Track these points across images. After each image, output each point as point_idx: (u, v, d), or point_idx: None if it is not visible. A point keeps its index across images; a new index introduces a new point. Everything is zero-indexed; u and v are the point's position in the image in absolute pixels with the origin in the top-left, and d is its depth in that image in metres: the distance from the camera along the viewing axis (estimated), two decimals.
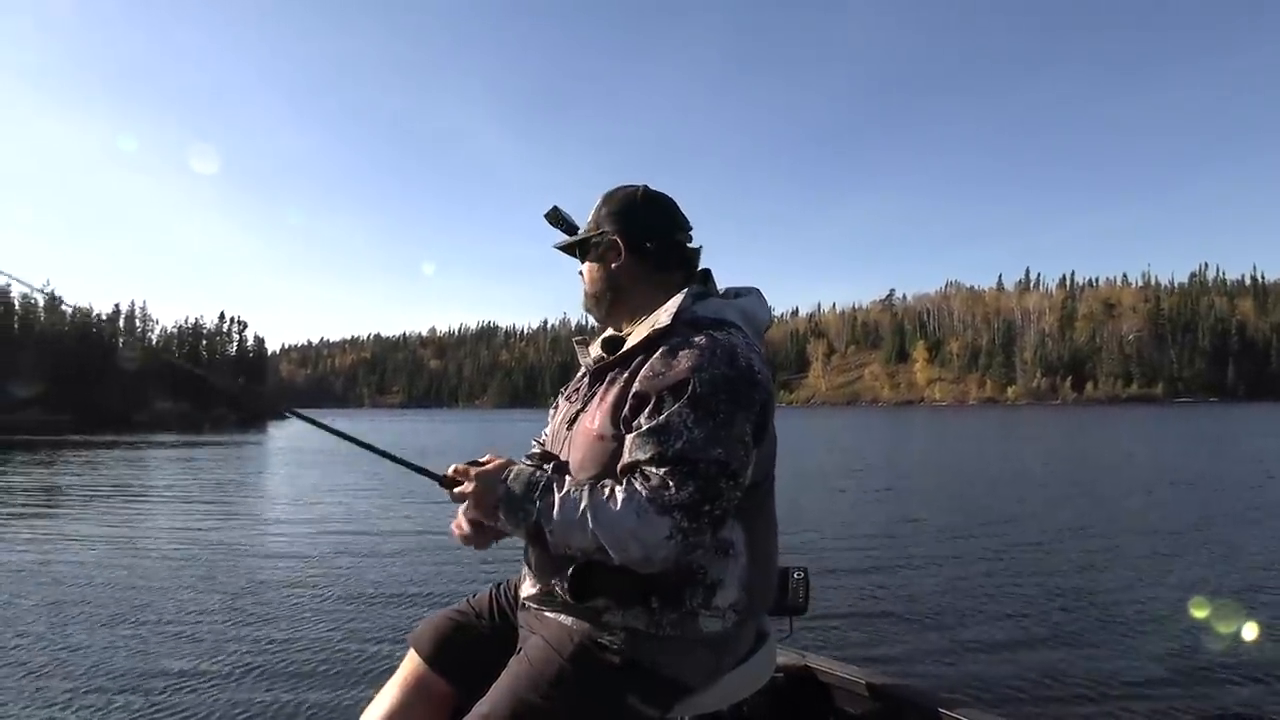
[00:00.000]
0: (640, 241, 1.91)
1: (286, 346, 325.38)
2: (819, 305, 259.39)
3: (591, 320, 2.05)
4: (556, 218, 1.99)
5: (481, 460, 1.74)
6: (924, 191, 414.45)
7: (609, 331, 2.00)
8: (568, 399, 1.98)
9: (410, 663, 1.91)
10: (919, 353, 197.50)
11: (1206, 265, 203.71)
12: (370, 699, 1.89)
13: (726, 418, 1.59)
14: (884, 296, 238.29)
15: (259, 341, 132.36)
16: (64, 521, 12.35)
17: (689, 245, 1.94)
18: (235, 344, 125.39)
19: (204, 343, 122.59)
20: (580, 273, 1.98)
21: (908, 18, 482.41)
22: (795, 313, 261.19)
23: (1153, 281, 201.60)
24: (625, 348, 1.80)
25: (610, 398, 1.73)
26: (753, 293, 1.92)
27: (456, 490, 1.70)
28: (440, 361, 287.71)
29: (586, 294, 1.97)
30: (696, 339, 1.67)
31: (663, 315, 1.76)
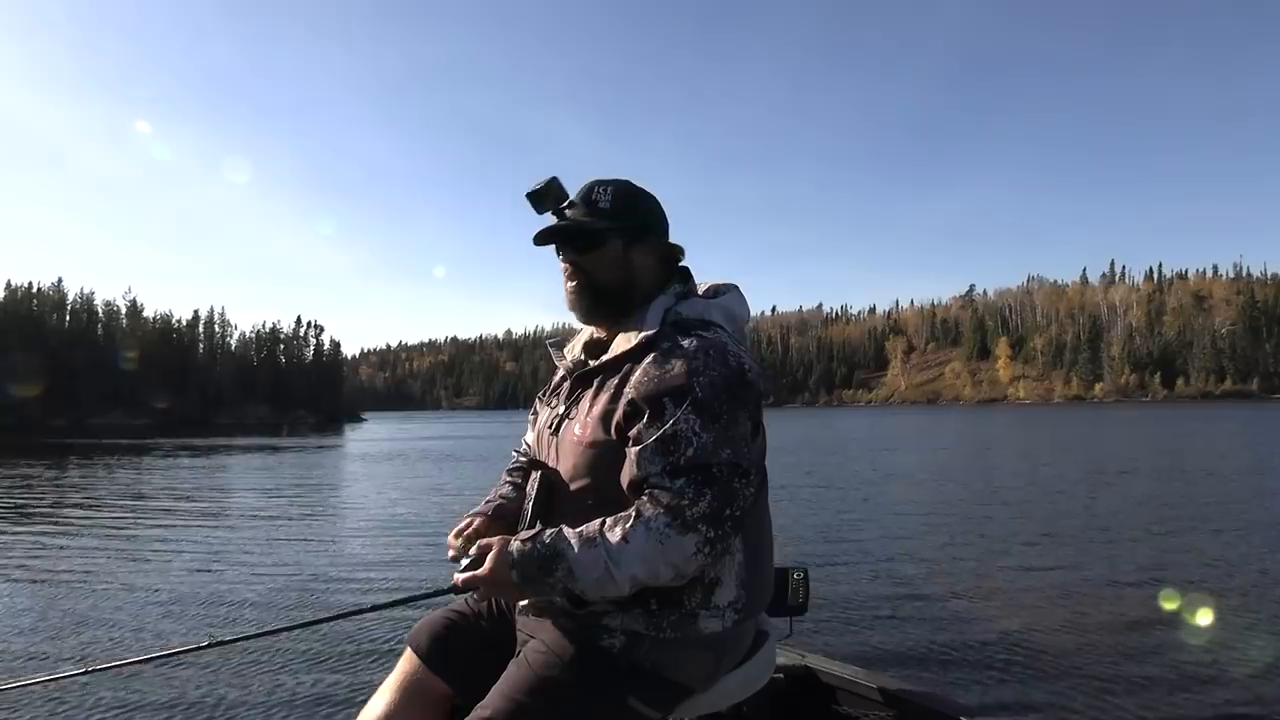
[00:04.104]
0: (665, 237, 1.88)
1: (365, 350, 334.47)
2: (896, 302, 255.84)
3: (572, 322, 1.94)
4: (556, 193, 1.80)
5: (472, 552, 1.65)
6: (1004, 186, 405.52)
7: (587, 333, 1.93)
8: (547, 404, 1.93)
9: (407, 663, 1.87)
10: (1001, 350, 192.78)
11: None
12: (367, 698, 1.87)
13: (730, 418, 1.58)
14: (964, 292, 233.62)
15: (335, 345, 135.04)
16: (137, 525, 12.97)
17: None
18: (312, 348, 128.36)
19: (281, 346, 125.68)
20: (572, 263, 1.81)
21: (991, 12, 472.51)
22: (873, 310, 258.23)
23: (1245, 273, 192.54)
24: (615, 352, 1.75)
25: (600, 404, 1.70)
26: (733, 290, 1.88)
27: (475, 597, 1.69)
28: (516, 364, 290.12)
29: (591, 288, 1.81)
30: (685, 342, 1.65)
31: (649, 317, 1.74)
